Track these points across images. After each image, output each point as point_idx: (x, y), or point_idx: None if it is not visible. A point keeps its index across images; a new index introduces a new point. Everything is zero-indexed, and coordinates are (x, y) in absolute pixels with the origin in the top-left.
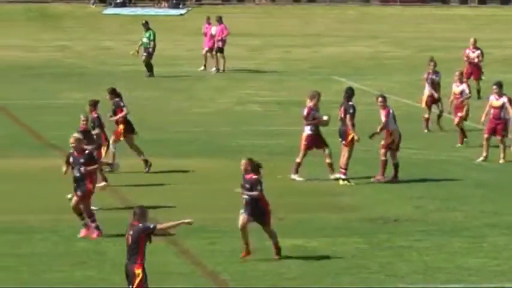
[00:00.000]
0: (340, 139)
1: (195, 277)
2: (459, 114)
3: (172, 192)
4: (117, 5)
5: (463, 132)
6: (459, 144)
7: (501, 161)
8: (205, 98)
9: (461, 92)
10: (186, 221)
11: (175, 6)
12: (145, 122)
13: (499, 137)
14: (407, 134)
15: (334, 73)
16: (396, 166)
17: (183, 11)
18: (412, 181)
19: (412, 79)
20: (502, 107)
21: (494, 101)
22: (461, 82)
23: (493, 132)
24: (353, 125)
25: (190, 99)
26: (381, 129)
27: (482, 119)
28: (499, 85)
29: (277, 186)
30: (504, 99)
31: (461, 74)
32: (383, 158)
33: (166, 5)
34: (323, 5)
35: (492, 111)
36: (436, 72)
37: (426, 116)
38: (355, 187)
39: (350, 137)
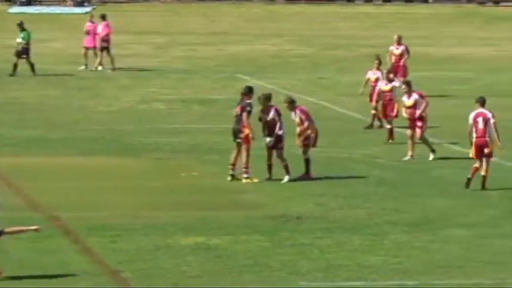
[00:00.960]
0: (233, 137)
1: (97, 275)
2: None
3: (76, 191)
4: (22, 4)
5: (391, 133)
6: (390, 141)
7: (407, 157)
8: (110, 96)
9: (391, 90)
10: (32, 227)
11: (80, 4)
12: (49, 120)
13: (415, 133)
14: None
15: (238, 71)
16: (307, 162)
17: (88, 9)
18: (314, 179)
19: (314, 77)
20: (415, 105)
21: (407, 101)
22: (389, 81)
23: (414, 130)
24: (249, 123)
25: (94, 98)
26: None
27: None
28: (408, 84)
29: (180, 184)
30: (415, 96)
31: (389, 72)
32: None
33: (71, 3)
34: (229, 3)
35: (408, 111)
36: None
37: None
38: (258, 185)
39: (245, 135)
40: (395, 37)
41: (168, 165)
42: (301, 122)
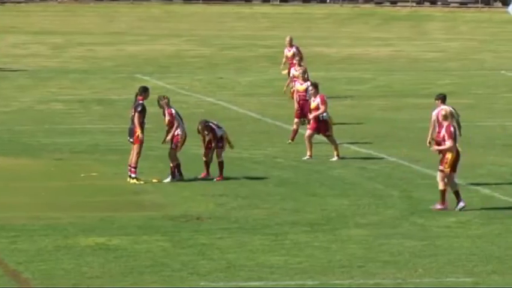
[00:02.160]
0: (128, 137)
1: None
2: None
3: None
4: None
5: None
6: (290, 141)
7: (334, 158)
8: (8, 96)
9: (306, 90)
10: None
11: None
12: None
13: (324, 137)
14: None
15: (137, 71)
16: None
17: None
18: (213, 178)
19: (213, 77)
20: (318, 107)
21: (312, 102)
22: (304, 80)
23: (316, 131)
24: (140, 124)
25: None
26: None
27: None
28: (315, 86)
29: (80, 185)
30: (318, 99)
31: (305, 72)
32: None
33: None
34: (126, 3)
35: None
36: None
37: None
38: (158, 185)
39: (136, 135)
40: (287, 39)
41: (67, 165)
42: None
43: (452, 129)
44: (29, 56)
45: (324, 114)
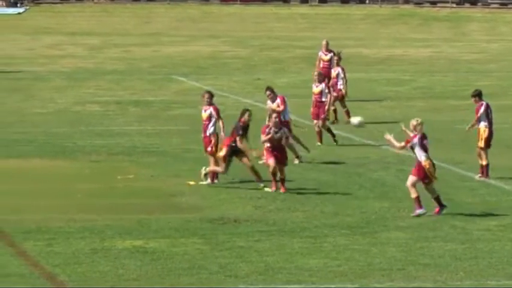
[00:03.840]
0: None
1: (33, 278)
2: (322, 116)
3: (10, 193)
4: None
5: (330, 132)
6: (319, 143)
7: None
8: (45, 98)
9: (321, 92)
10: None
11: (13, 5)
12: None
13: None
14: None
15: (174, 72)
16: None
17: (21, 10)
18: (251, 181)
19: (251, 78)
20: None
21: (314, 88)
22: (319, 82)
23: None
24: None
25: (28, 99)
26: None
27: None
28: (272, 90)
29: (116, 187)
30: (278, 100)
31: (320, 74)
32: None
33: (4, 3)
34: (163, 4)
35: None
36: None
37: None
38: (195, 187)
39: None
40: (323, 43)
41: (104, 167)
42: None
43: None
44: (65, 57)
45: (286, 115)
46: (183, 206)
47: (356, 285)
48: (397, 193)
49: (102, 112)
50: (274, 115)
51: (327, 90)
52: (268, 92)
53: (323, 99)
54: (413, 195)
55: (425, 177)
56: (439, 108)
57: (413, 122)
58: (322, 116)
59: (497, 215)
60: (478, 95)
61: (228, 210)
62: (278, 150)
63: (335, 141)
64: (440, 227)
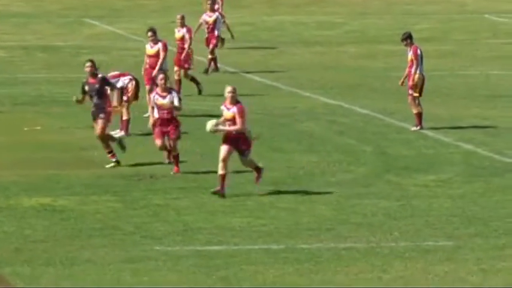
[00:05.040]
0: None
1: None
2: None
3: None
4: None
5: (194, 81)
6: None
7: None
8: None
9: (183, 38)
10: None
11: None
12: None
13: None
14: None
15: (86, 15)
16: None
17: None
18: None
19: (166, 21)
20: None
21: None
22: (182, 26)
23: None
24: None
25: None
26: None
27: None
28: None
29: (23, 140)
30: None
31: (183, 17)
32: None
33: None
34: None
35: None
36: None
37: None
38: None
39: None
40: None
41: (9, 118)
42: None
43: None
44: None
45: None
46: (94, 161)
47: (282, 246)
48: (327, 146)
49: (7, 58)
50: (160, 76)
51: (187, 36)
52: (150, 34)
53: (185, 46)
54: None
55: None
56: (373, 54)
57: None
58: (186, 65)
59: (435, 169)
60: (409, 37)
61: (143, 165)
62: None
63: (199, 90)
64: (373, 182)
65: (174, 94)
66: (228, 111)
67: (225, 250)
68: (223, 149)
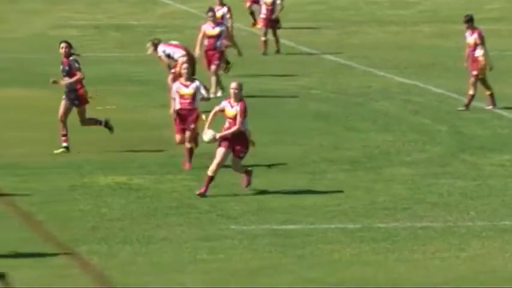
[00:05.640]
0: None
1: (8, 218)
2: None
3: None
4: None
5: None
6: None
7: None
8: (17, 21)
9: (222, 17)
10: None
11: None
12: None
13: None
14: (245, 60)
15: None
16: None
17: None
18: None
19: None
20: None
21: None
22: (221, 5)
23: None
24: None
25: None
26: None
27: None
28: (213, 12)
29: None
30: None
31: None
32: None
33: None
34: None
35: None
36: None
37: (263, 38)
38: None
39: None
40: None
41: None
42: None
43: None
44: None
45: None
46: (169, 140)
47: (358, 226)
48: (402, 125)
49: (80, 37)
50: (184, 65)
51: (228, 15)
52: (210, 14)
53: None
54: None
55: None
56: (446, 34)
57: None
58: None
59: (510, 149)
60: (471, 19)
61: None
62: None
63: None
64: (449, 162)
65: (199, 84)
66: (232, 108)
67: (301, 229)
68: (221, 152)
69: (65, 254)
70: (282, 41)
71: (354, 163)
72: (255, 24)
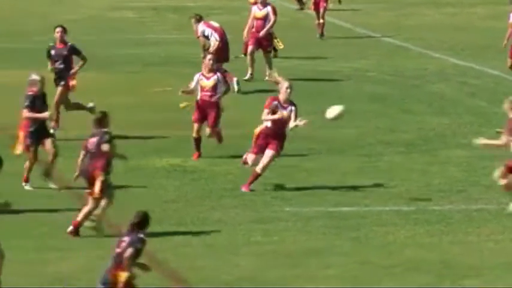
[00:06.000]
0: None
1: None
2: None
3: None
4: None
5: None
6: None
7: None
8: (74, 2)
9: (266, 17)
10: None
11: None
12: (7, 28)
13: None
14: (297, 41)
15: None
16: None
17: None
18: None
19: None
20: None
21: (258, 11)
22: (264, 5)
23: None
24: None
25: (56, 4)
26: None
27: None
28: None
29: (153, 101)
30: (268, 8)
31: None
32: None
33: None
34: None
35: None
36: None
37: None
38: (238, 100)
39: None
40: None
41: (139, 79)
42: None
43: None
44: None
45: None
46: (225, 121)
47: (413, 208)
48: (458, 108)
49: (137, 19)
50: (208, 56)
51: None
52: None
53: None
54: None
55: None
56: (501, 15)
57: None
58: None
59: None
60: None
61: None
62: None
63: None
64: None
65: (219, 77)
66: (208, 80)
67: (355, 211)
68: (269, 154)
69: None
70: (339, 23)
71: (409, 146)
72: (302, 8)
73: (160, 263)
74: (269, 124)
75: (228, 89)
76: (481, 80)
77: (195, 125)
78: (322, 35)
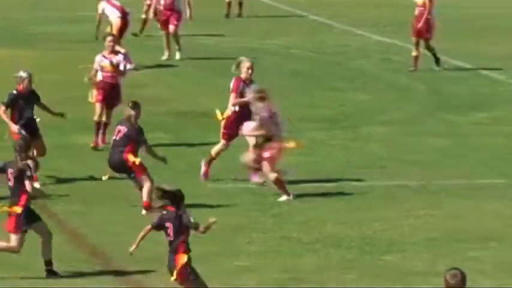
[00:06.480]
0: None
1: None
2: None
3: None
4: None
5: None
6: None
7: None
8: None
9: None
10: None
11: None
12: None
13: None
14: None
15: None
16: None
17: None
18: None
19: None
20: None
21: None
22: None
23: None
24: None
25: None
26: None
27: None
28: None
29: (78, 79)
30: None
31: None
32: None
33: None
34: None
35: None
36: None
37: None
38: (159, 77)
39: None
40: None
41: (67, 56)
42: None
43: None
44: None
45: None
46: (146, 98)
47: (333, 184)
48: (379, 84)
49: None
50: (108, 37)
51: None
52: None
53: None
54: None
55: None
56: None
57: None
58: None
59: (489, 107)
60: None
61: (194, 103)
62: None
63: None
64: (426, 120)
65: (122, 57)
66: (108, 61)
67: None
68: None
69: None
70: (264, 0)
71: (330, 122)
72: None
73: (82, 237)
74: (237, 108)
75: (132, 67)
76: (403, 56)
77: (98, 106)
78: (238, 15)
